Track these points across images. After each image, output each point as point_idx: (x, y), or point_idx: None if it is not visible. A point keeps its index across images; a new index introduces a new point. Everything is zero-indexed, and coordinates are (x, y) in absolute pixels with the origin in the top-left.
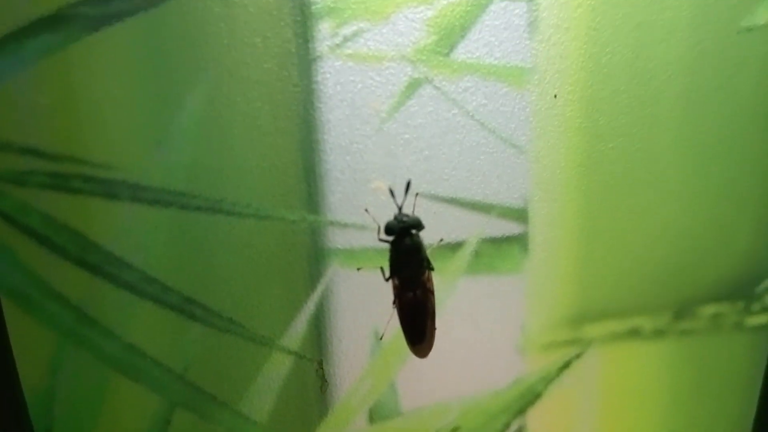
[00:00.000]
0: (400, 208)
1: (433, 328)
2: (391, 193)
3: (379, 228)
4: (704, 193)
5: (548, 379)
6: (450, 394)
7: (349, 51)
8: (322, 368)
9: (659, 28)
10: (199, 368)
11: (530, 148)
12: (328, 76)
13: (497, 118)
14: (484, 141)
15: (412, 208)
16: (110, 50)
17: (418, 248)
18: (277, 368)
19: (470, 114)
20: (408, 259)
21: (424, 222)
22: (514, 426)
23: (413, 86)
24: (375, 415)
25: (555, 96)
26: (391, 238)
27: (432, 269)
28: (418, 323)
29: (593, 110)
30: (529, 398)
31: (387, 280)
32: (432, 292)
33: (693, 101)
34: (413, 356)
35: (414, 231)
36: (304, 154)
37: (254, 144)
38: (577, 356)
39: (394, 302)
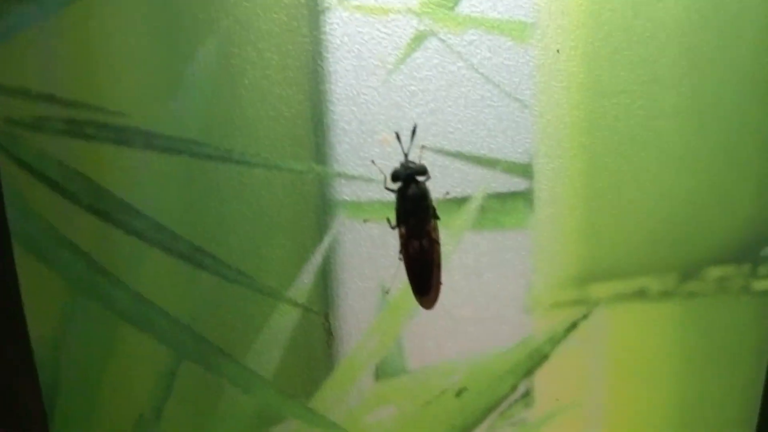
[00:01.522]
0: (406, 155)
1: (439, 280)
2: (398, 137)
3: (385, 178)
4: (705, 154)
5: (555, 340)
6: (456, 353)
7: (356, 3)
8: (329, 321)
9: None
10: (206, 319)
11: (534, 102)
12: (336, 27)
13: (501, 72)
14: (489, 95)
15: (418, 160)
16: (128, 1)
17: (423, 195)
18: (284, 321)
19: (475, 67)
20: (414, 206)
21: (430, 174)
22: (521, 388)
23: (419, 39)
24: (381, 373)
25: (558, 51)
26: (397, 186)
27: (438, 218)
28: (424, 274)
29: (595, 66)
30: (536, 359)
31: (393, 228)
32: (438, 243)
33: (692, 62)
34: (420, 312)
35: (420, 178)
36: (312, 105)
37: (264, 94)
38: (584, 317)
39: (400, 252)
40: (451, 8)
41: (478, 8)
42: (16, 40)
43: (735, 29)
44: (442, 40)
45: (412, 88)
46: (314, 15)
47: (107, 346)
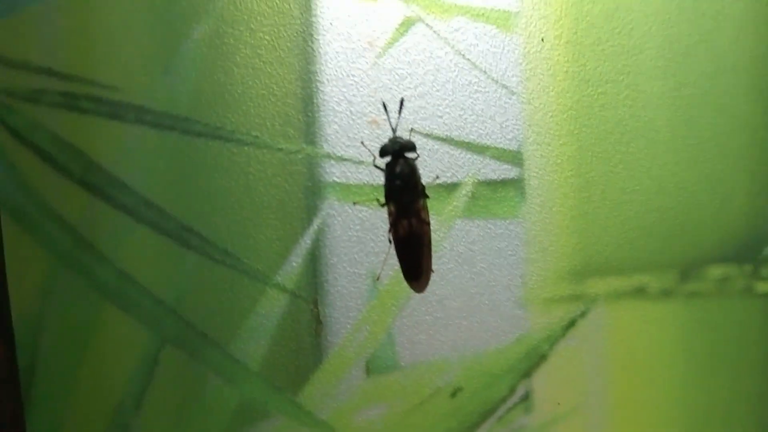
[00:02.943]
0: (394, 130)
1: (430, 262)
2: (384, 107)
3: (374, 157)
4: (695, 145)
5: (553, 339)
6: (450, 349)
7: None
8: (317, 308)
9: None
10: (191, 302)
11: (521, 89)
12: (326, 9)
13: (488, 59)
14: (476, 80)
15: None
16: None
17: (413, 171)
18: (272, 307)
19: (461, 53)
20: (403, 182)
21: (419, 160)
22: (520, 390)
23: (407, 24)
24: (372, 368)
25: (542, 40)
26: (385, 161)
27: (428, 197)
28: (414, 255)
29: (579, 56)
30: (534, 359)
31: (382, 205)
32: (428, 223)
33: (675, 53)
34: (411, 303)
35: (409, 155)
36: (303, 84)
37: (255, 72)
38: (582, 315)
39: (389, 231)
40: None
41: None
42: (21, 15)
43: (715, 20)
44: (429, 26)
45: (401, 71)
46: None
47: (88, 325)
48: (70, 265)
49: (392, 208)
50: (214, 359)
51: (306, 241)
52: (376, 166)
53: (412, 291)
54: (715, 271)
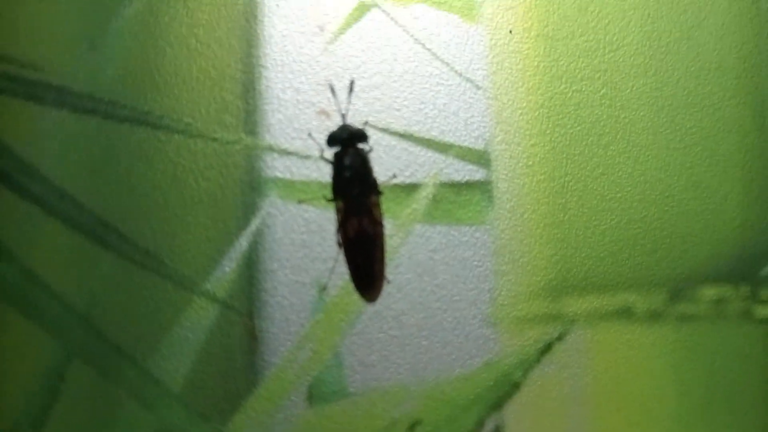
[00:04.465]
0: (343, 116)
1: (383, 268)
2: (332, 90)
3: (322, 151)
4: (681, 149)
5: (527, 365)
6: (408, 373)
7: None
8: (253, 322)
9: None
10: (105, 309)
11: (487, 84)
12: None
13: (451, 50)
14: (438, 72)
15: None
16: None
17: (363, 161)
18: (199, 318)
19: (421, 43)
20: (353, 174)
21: (375, 156)
22: (489, 423)
23: (362, 9)
24: (316, 394)
25: (510, 32)
26: (334, 151)
27: (381, 193)
28: (366, 259)
29: (551, 50)
30: (505, 388)
31: (329, 200)
32: (381, 224)
33: (655, 50)
34: (363, 318)
35: (360, 146)
36: (244, 68)
37: (191, 53)
38: (559, 337)
39: (337, 232)
40: None
41: None
42: None
43: (698, 15)
44: (386, 12)
45: (354, 59)
46: None
47: None
48: None
49: (341, 204)
50: (129, 378)
51: (242, 244)
52: (324, 159)
53: (363, 304)
54: (709, 292)
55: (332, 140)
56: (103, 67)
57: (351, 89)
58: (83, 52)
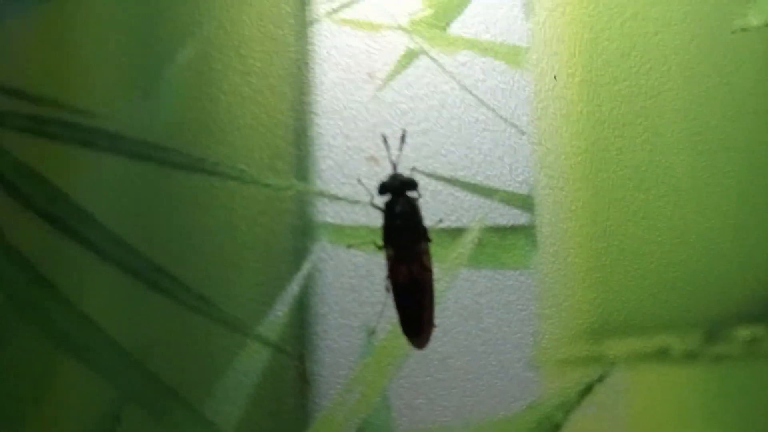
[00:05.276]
0: (394, 165)
1: (432, 314)
2: (385, 141)
3: (372, 197)
4: (718, 192)
5: (568, 406)
6: (452, 415)
7: (345, 16)
8: (304, 365)
9: (652, 21)
10: (159, 354)
11: (532, 129)
12: (324, 39)
13: (496, 96)
14: (483, 118)
15: None
16: None
17: (414, 210)
18: (252, 362)
19: (468, 89)
20: (403, 222)
21: (421, 201)
22: None
23: (409, 56)
24: None
25: (555, 77)
26: (385, 200)
27: (430, 240)
28: (415, 306)
29: (595, 95)
30: (546, 429)
31: (380, 248)
32: (430, 270)
33: (694, 95)
34: (410, 361)
35: (410, 193)
36: (296, 116)
37: (244, 101)
38: (600, 379)
39: (387, 278)
40: (443, 28)
41: (471, 30)
42: None
43: (736, 61)
44: (434, 59)
45: (403, 105)
46: (301, 25)
47: (41, 377)
48: (24, 306)
49: (391, 252)
50: (183, 421)
51: (293, 288)
52: (374, 206)
53: (411, 348)
54: (743, 332)
55: (383, 189)
56: (157, 113)
57: (403, 140)
58: (137, 98)
